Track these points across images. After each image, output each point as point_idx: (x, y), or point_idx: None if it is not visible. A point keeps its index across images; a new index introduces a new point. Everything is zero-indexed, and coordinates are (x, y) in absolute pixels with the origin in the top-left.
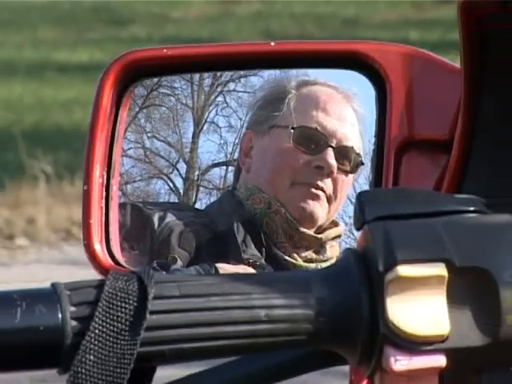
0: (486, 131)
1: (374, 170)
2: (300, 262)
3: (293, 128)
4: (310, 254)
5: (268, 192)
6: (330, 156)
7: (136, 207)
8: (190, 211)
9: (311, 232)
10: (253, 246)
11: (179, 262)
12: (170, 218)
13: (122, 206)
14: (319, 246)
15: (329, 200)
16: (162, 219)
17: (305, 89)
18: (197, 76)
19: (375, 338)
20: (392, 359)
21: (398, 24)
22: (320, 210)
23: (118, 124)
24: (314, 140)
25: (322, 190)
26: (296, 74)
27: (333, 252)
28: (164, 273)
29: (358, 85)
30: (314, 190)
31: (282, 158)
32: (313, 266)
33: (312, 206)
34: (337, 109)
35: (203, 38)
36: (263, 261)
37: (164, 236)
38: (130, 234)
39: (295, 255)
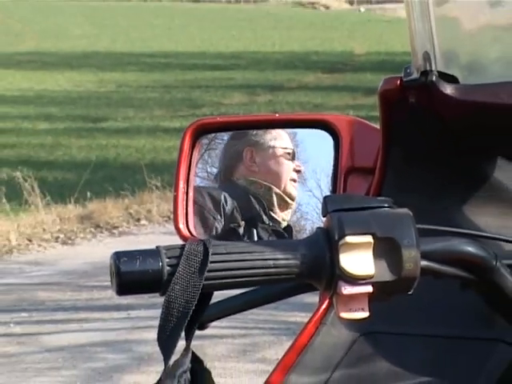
0: (393, 165)
1: (332, 185)
2: (281, 220)
3: (285, 148)
4: (286, 214)
5: (269, 182)
6: (299, 163)
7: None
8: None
9: (291, 202)
10: (262, 210)
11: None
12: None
13: (198, 208)
14: (293, 211)
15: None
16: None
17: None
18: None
19: (333, 276)
20: (342, 288)
21: (343, 106)
22: (295, 191)
23: (192, 158)
24: (293, 155)
25: (296, 180)
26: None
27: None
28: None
29: (323, 138)
30: (293, 182)
31: (281, 163)
32: (285, 223)
33: (293, 188)
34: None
35: (239, 113)
36: (265, 218)
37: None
38: (201, 221)
39: (280, 215)
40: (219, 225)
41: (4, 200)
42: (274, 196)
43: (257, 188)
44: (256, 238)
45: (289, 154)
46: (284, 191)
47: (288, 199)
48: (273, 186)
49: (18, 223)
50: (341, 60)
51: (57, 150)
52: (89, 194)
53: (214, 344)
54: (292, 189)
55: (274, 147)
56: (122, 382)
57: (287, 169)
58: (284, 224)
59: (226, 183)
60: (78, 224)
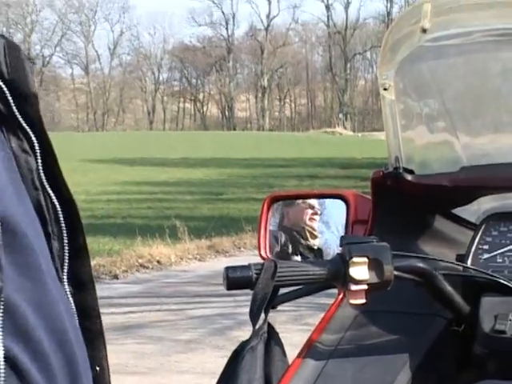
0: (378, 218)
1: (345, 229)
2: (312, 245)
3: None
4: (315, 242)
5: (300, 223)
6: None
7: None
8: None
9: (315, 232)
10: (300, 240)
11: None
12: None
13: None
14: (320, 242)
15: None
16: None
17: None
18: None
19: (346, 280)
20: (351, 286)
21: (349, 187)
22: (315, 224)
23: (268, 215)
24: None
25: (312, 219)
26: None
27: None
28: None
29: (340, 204)
30: (312, 220)
31: (303, 212)
32: (316, 247)
33: (312, 223)
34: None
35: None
36: (302, 244)
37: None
38: (272, 249)
39: (311, 242)
40: (280, 250)
41: (168, 237)
42: (305, 230)
43: (296, 228)
44: (299, 258)
45: (308, 207)
46: (308, 225)
47: (312, 230)
48: (301, 223)
49: (175, 249)
50: (348, 162)
51: (195, 210)
52: (213, 233)
53: (279, 315)
54: (313, 224)
55: (301, 203)
56: (231, 336)
57: (307, 213)
58: (315, 247)
59: (283, 227)
60: (207, 250)
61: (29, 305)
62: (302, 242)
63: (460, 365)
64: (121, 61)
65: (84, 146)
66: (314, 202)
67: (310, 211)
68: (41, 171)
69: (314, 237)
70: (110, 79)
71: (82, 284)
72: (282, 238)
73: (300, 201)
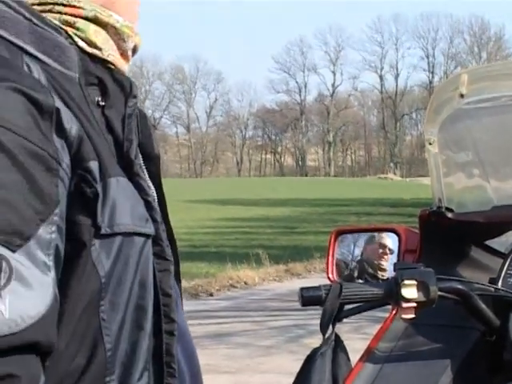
0: (425, 248)
1: (397, 257)
2: (380, 276)
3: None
4: (384, 274)
5: (371, 258)
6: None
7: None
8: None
9: (384, 267)
10: (368, 269)
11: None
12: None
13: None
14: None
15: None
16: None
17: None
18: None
19: (398, 298)
20: (402, 304)
21: (399, 222)
22: (382, 263)
23: (335, 245)
24: (383, 246)
25: (381, 258)
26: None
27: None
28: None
29: (393, 236)
30: (383, 261)
31: (374, 251)
32: (385, 277)
33: (381, 261)
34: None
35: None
36: (369, 272)
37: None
38: (338, 273)
39: (379, 273)
40: (347, 274)
41: (253, 262)
42: (375, 263)
43: (369, 260)
44: (360, 281)
45: (380, 246)
46: (377, 261)
47: (380, 265)
48: (373, 258)
49: (258, 273)
50: (397, 202)
51: (274, 241)
52: (288, 260)
53: (343, 326)
54: (380, 261)
55: (374, 242)
56: (303, 343)
57: (377, 252)
58: (384, 277)
59: (360, 259)
60: (284, 273)
61: None
62: (370, 271)
63: (492, 369)
64: (215, 121)
65: (186, 190)
66: (388, 242)
67: (381, 250)
68: None
69: (383, 270)
70: (207, 136)
71: None
72: (351, 265)
73: (377, 238)
